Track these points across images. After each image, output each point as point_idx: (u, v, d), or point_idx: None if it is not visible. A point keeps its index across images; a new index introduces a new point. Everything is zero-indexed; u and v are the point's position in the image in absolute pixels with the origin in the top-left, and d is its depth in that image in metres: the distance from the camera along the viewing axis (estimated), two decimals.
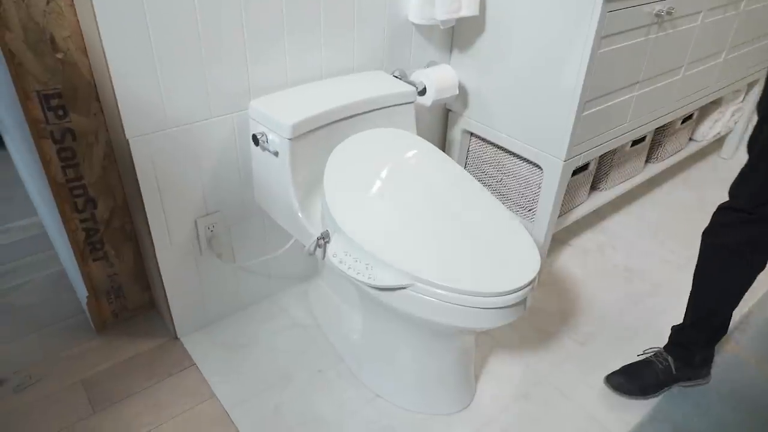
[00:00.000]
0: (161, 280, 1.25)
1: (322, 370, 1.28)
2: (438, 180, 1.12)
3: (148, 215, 1.15)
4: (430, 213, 1.04)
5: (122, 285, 1.34)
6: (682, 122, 1.86)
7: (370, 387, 1.24)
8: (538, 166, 1.44)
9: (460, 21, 1.41)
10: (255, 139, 1.12)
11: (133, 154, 1.07)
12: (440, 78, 1.37)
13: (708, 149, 2.30)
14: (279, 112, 1.09)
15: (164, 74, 1.03)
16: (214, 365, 1.28)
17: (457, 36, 1.45)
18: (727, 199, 1.10)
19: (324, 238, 1.04)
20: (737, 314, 1.48)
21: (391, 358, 1.17)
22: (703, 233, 1.15)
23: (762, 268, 1.11)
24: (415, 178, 1.11)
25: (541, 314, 1.47)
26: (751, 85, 2.07)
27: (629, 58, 1.30)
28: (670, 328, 1.29)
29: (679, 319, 1.29)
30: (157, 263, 1.22)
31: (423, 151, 1.19)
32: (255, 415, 1.17)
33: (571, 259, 1.67)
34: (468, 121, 1.53)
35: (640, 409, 1.22)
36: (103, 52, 0.96)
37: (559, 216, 1.58)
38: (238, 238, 1.32)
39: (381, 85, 1.24)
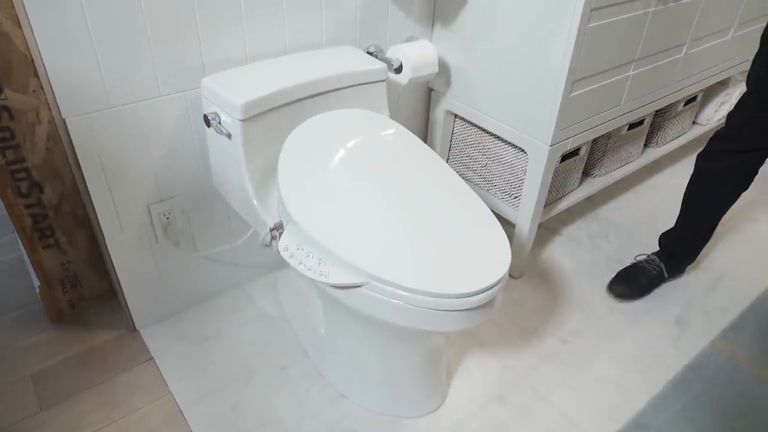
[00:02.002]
0: (113, 266, 1.17)
1: (285, 366, 1.21)
2: (406, 166, 1.03)
3: (94, 201, 1.07)
4: (394, 204, 0.94)
5: (78, 274, 1.26)
6: (685, 104, 1.74)
7: (335, 386, 1.16)
8: (523, 150, 1.34)
9: None
10: (207, 120, 1.03)
11: (71, 136, 0.98)
12: (418, 54, 1.27)
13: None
14: (231, 90, 1.00)
15: (103, 49, 0.94)
16: (172, 360, 1.21)
17: (439, 9, 1.34)
18: None
19: (278, 229, 0.95)
20: (734, 312, 1.39)
21: (355, 356, 1.10)
22: (698, 155, 1.30)
23: (745, 189, 1.28)
24: (381, 164, 1.02)
25: (523, 308, 1.38)
26: None
27: (624, 34, 1.19)
28: (659, 236, 1.47)
29: (671, 330, 1.30)
30: (108, 250, 1.14)
31: (392, 134, 1.09)
32: (210, 415, 1.10)
33: (561, 250, 1.58)
34: (451, 101, 1.43)
35: (622, 414, 1.14)
36: (29, 24, 0.87)
37: (547, 204, 1.48)
38: (198, 225, 1.24)
39: (349, 62, 1.14)
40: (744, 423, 1.13)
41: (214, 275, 1.34)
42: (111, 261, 1.16)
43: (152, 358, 1.22)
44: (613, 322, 1.35)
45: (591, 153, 1.57)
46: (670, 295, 1.44)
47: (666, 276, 1.44)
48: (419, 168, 1.03)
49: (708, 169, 1.29)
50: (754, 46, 1.18)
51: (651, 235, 1.64)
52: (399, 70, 1.28)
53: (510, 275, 1.48)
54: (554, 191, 1.48)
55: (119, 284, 1.20)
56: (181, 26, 1.00)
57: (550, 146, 1.23)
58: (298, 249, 0.90)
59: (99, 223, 1.10)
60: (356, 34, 1.26)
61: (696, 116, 1.92)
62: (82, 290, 1.29)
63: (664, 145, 1.79)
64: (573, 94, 1.18)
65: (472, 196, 0.98)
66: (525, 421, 1.12)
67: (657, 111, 1.69)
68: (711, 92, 1.88)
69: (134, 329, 1.28)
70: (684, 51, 1.43)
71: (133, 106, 1.02)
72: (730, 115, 1.21)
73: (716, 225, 1.37)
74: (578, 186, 1.57)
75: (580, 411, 1.14)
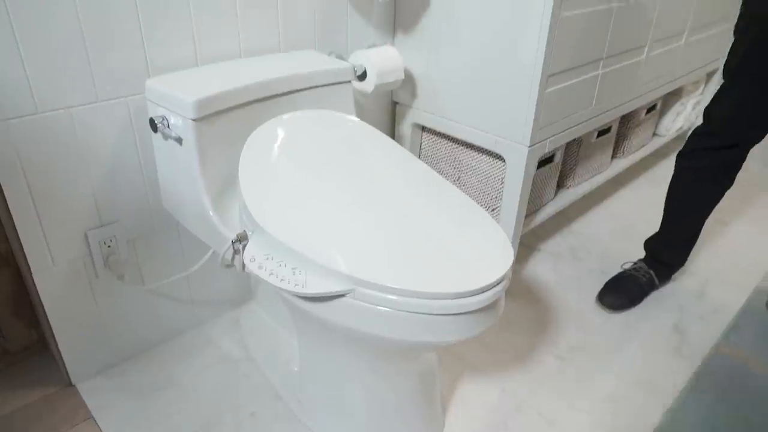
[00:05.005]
0: (43, 308, 0.99)
1: (255, 412, 1.04)
2: (382, 164, 0.92)
3: (18, 227, 0.90)
4: (372, 203, 0.83)
5: None
6: (647, 113, 1.74)
7: (315, 430, 1.00)
8: (499, 157, 1.27)
9: None
10: (153, 125, 0.90)
11: None
12: (382, 59, 1.20)
13: (670, 147, 2.19)
14: (181, 88, 0.88)
15: (28, 43, 0.81)
16: (117, 417, 1.02)
17: (400, 15, 1.28)
18: None
19: (241, 241, 0.82)
20: (729, 315, 1.33)
21: (337, 391, 0.95)
22: (678, 155, 1.25)
23: (731, 185, 1.22)
24: (354, 163, 0.91)
25: (514, 327, 1.27)
26: (710, 75, 1.99)
27: (592, 28, 1.16)
28: (644, 242, 1.39)
29: (670, 338, 1.23)
30: (36, 289, 0.97)
31: (363, 133, 0.99)
32: None
33: (542, 265, 1.49)
34: (418, 113, 1.35)
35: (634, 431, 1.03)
36: None
37: (525, 216, 1.40)
38: (145, 254, 1.08)
39: (312, 63, 1.04)
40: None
41: (167, 315, 1.17)
42: (40, 302, 0.99)
43: (91, 416, 1.02)
44: (610, 334, 1.26)
45: (564, 162, 1.52)
46: (660, 302, 1.36)
47: (657, 283, 1.37)
48: (398, 165, 0.93)
49: (689, 169, 1.23)
50: (704, 55, 1.17)
51: (631, 244, 1.59)
52: (363, 77, 1.20)
53: None
54: (532, 202, 1.41)
55: (51, 330, 1.02)
56: (122, 22, 0.89)
57: (530, 147, 1.16)
58: (268, 259, 0.77)
59: (24, 256, 0.93)
60: (315, 42, 1.17)
61: (656, 127, 1.93)
62: (6, 343, 1.10)
63: (629, 155, 1.77)
64: (549, 89, 1.12)
65: (455, 191, 0.89)
66: None
67: (622, 119, 1.68)
68: (668, 103, 1.90)
69: (70, 384, 1.08)
70: (645, 53, 1.42)
71: (66, 112, 0.88)
72: (709, 111, 1.16)
73: (702, 226, 1.31)
74: (554, 197, 1.51)
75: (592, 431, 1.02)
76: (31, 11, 0.79)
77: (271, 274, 0.75)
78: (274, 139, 0.92)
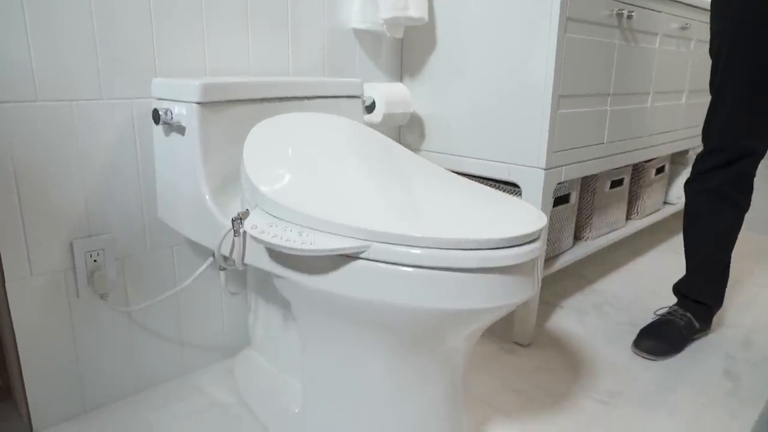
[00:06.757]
0: (12, 332, 0.87)
1: None
2: (395, 153, 0.87)
3: None
4: (387, 179, 0.77)
5: None
6: (656, 173, 1.72)
7: None
8: (514, 191, 1.22)
9: (409, 38, 1.29)
10: (156, 116, 0.86)
11: None
12: (390, 92, 1.20)
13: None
14: (189, 79, 0.86)
15: (36, 28, 0.80)
16: None
17: (407, 58, 1.31)
18: None
19: (242, 219, 0.74)
20: None
21: (344, 426, 0.79)
22: (686, 184, 1.21)
23: (747, 208, 1.17)
24: (366, 149, 0.86)
25: (545, 374, 1.12)
26: None
27: (597, 58, 1.18)
28: (672, 287, 1.30)
29: (722, 383, 1.13)
30: (7, 304, 0.86)
31: (374, 132, 0.95)
32: None
33: (567, 319, 1.37)
34: (428, 155, 1.33)
35: None
36: None
37: (545, 259, 1.31)
38: (133, 276, 0.98)
39: (321, 78, 1.04)
40: None
41: (151, 355, 1.03)
42: (11, 325, 0.87)
43: None
44: (654, 379, 1.11)
45: (580, 210, 1.47)
46: (704, 351, 1.22)
47: (697, 326, 1.24)
48: (409, 156, 0.88)
49: (700, 192, 1.18)
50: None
51: (657, 299, 1.48)
52: (371, 108, 1.20)
53: (517, 343, 1.24)
54: (550, 246, 1.33)
55: (18, 364, 0.89)
56: (135, 23, 0.89)
57: (545, 170, 1.11)
58: (271, 226, 0.69)
59: (0, 261, 0.84)
60: (324, 76, 1.19)
61: (666, 195, 1.90)
62: None
63: (644, 216, 1.72)
64: (560, 111, 1.11)
65: (472, 182, 0.82)
66: None
67: (633, 175, 1.66)
68: (675, 170, 1.90)
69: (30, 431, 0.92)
70: (649, 102, 1.44)
71: (67, 104, 0.85)
72: (706, 131, 1.16)
73: (727, 258, 1.21)
74: (572, 246, 1.43)
75: None
76: (43, 4, 0.80)
77: (275, 236, 0.66)
78: (281, 127, 0.88)
